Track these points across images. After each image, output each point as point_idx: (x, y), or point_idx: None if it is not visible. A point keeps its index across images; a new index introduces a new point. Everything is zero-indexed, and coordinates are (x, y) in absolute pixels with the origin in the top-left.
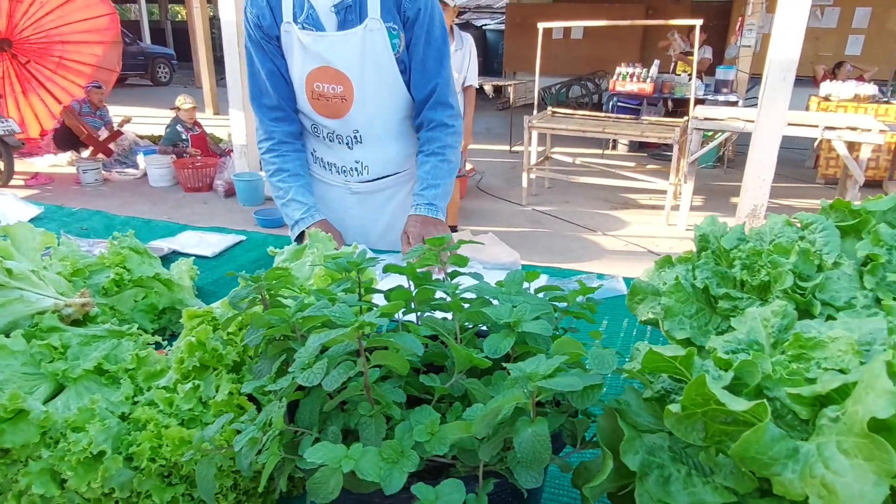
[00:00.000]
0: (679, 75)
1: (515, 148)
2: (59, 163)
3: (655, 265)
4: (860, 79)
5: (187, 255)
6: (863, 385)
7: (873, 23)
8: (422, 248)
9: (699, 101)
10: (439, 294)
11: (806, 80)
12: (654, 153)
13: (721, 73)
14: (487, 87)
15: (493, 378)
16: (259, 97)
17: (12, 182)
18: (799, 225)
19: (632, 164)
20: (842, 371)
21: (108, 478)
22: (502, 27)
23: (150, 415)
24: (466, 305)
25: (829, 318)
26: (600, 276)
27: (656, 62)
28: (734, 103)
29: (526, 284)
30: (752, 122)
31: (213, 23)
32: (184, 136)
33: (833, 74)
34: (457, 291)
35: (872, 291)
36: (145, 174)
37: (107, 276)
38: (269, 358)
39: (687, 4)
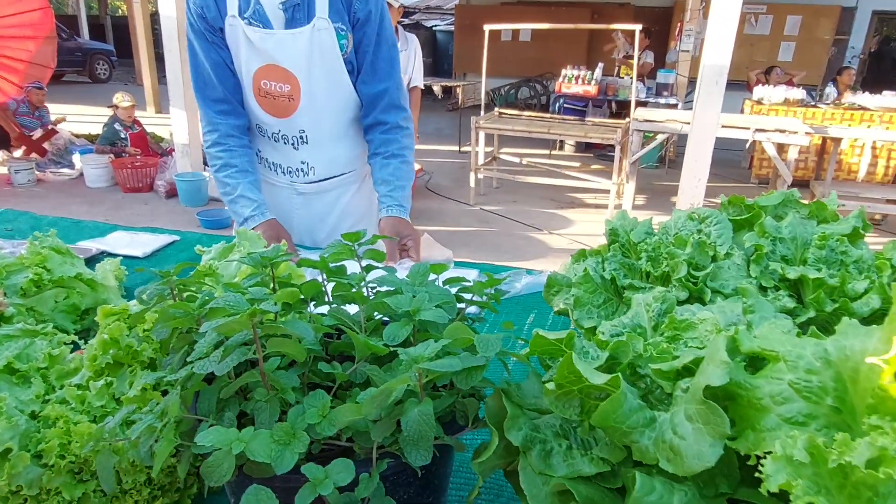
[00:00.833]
0: (622, 78)
1: (464, 148)
2: None
3: (572, 258)
4: (790, 83)
5: (117, 256)
6: (707, 358)
7: (803, 30)
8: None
9: (641, 104)
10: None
11: (742, 85)
12: (599, 153)
13: (661, 76)
14: (437, 88)
15: (393, 365)
16: (203, 89)
17: None
18: (698, 218)
19: (577, 165)
20: (702, 349)
21: (14, 475)
22: (452, 28)
23: (60, 412)
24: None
25: None
26: (529, 272)
27: (600, 65)
28: (674, 106)
29: (434, 276)
30: (689, 123)
31: (155, 18)
32: (122, 135)
33: (765, 79)
34: (362, 283)
35: (756, 279)
36: (81, 174)
37: (25, 277)
38: (177, 351)
39: (630, 9)
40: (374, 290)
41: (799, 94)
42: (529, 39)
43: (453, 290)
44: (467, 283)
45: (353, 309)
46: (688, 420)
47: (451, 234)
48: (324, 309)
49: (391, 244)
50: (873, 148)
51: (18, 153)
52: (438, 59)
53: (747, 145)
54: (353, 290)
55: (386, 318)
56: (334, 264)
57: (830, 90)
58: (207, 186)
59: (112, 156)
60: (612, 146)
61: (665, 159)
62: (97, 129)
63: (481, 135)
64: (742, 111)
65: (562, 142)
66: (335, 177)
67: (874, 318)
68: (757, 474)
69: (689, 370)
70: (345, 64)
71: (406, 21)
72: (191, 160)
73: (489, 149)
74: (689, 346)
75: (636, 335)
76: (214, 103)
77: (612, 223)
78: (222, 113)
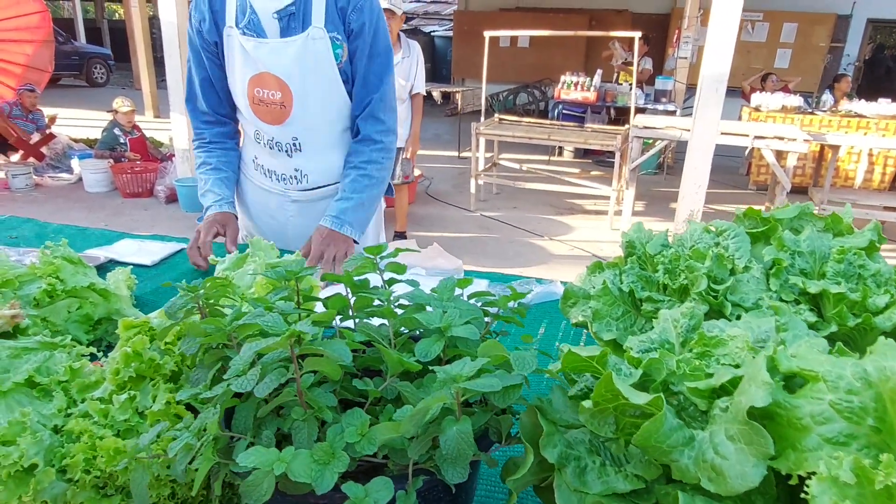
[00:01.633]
0: (621, 85)
1: (464, 154)
2: None
3: (587, 270)
4: (786, 89)
5: (125, 265)
6: (747, 378)
7: (799, 38)
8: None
9: (639, 110)
10: (377, 301)
11: (738, 91)
12: (598, 160)
13: (660, 83)
14: (436, 94)
15: (425, 381)
16: (193, 100)
17: None
18: (715, 231)
19: (577, 171)
20: (736, 366)
21: (40, 491)
22: (450, 34)
23: (84, 426)
24: (401, 312)
25: (740, 318)
26: (539, 281)
27: (599, 71)
28: (672, 112)
29: (459, 291)
30: (688, 130)
31: (153, 23)
32: (122, 140)
33: (761, 86)
34: (391, 298)
35: (776, 293)
36: (80, 179)
37: (38, 287)
38: (205, 366)
39: (628, 16)
40: (397, 304)
41: (796, 101)
42: (528, 45)
43: (478, 304)
44: (492, 297)
45: (375, 320)
46: (729, 440)
47: (452, 240)
48: (348, 322)
49: (312, 261)
50: (870, 155)
51: (16, 157)
52: (437, 65)
53: (746, 152)
54: (381, 304)
55: (411, 332)
56: (358, 278)
57: (827, 97)
58: None
59: (111, 161)
60: (611, 152)
61: (664, 165)
62: (95, 134)
63: (482, 140)
64: (740, 118)
65: (560, 148)
66: (328, 185)
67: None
68: (803, 495)
69: (724, 388)
70: (340, 73)
71: (405, 27)
72: (190, 165)
73: (489, 154)
74: (721, 363)
75: (665, 351)
76: (200, 114)
77: (629, 235)
78: (206, 122)
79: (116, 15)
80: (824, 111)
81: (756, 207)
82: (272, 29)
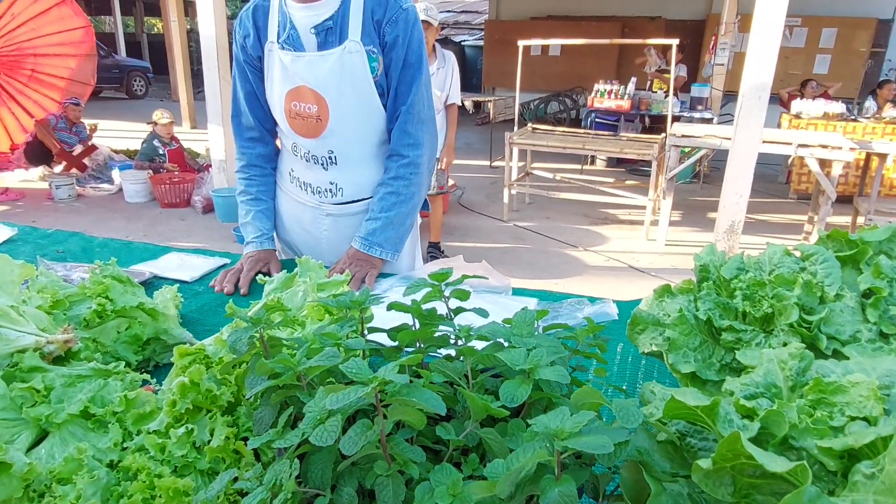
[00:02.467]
0: (655, 92)
1: (495, 163)
2: (30, 178)
3: (654, 294)
4: (826, 95)
5: (167, 280)
6: None
7: (839, 43)
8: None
9: (675, 119)
10: (442, 328)
11: (775, 98)
12: (631, 168)
13: (696, 90)
14: (468, 103)
15: (510, 427)
16: (238, 116)
17: None
18: (798, 255)
19: (610, 180)
20: (866, 419)
21: None
22: (481, 43)
23: (141, 463)
24: (474, 344)
25: (836, 352)
26: (592, 300)
27: (633, 79)
28: (709, 120)
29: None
30: (729, 139)
31: (190, 36)
32: (161, 151)
33: (800, 93)
34: (470, 333)
35: (876, 325)
36: (120, 189)
37: (88, 307)
38: (270, 405)
39: (661, 23)
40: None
41: (838, 107)
42: (559, 54)
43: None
44: (568, 330)
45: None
46: None
47: (485, 250)
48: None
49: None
50: None
51: (59, 169)
52: (468, 74)
53: (789, 161)
54: (459, 341)
55: (486, 368)
56: (426, 307)
57: (870, 104)
58: None
59: (150, 171)
60: (646, 161)
61: (700, 174)
62: (135, 145)
63: (514, 150)
64: (779, 125)
65: (593, 157)
66: (363, 199)
67: None
68: None
69: (861, 449)
70: (375, 87)
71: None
72: (227, 176)
73: (521, 164)
74: (846, 414)
75: (776, 398)
76: (245, 130)
77: (702, 258)
78: (251, 140)
79: (155, 29)
80: (867, 118)
81: (820, 222)
82: (310, 43)
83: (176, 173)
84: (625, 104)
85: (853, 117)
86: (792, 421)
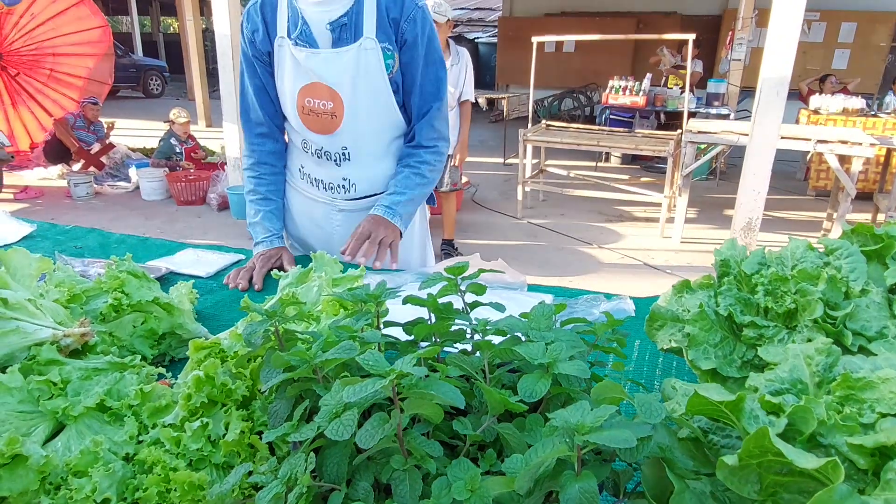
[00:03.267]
0: (671, 88)
1: (509, 160)
2: (49, 176)
3: (673, 289)
4: (845, 91)
5: (182, 275)
6: None
7: (858, 38)
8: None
9: (691, 115)
10: (459, 323)
11: (793, 94)
12: (646, 165)
13: (712, 86)
14: (481, 100)
15: (528, 422)
16: (247, 112)
17: (1, 196)
18: (822, 249)
19: (625, 177)
20: None
21: None
22: (494, 40)
23: (157, 456)
24: (491, 338)
25: (862, 348)
26: (608, 297)
27: (648, 75)
28: (726, 116)
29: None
30: (746, 135)
31: (206, 35)
32: (178, 150)
33: (819, 88)
34: (487, 327)
35: None
36: (137, 187)
37: (104, 302)
38: (285, 398)
39: (677, 18)
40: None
41: (858, 103)
42: (573, 50)
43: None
44: (587, 325)
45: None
46: None
47: (499, 247)
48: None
49: (359, 239)
50: None
51: (77, 167)
52: (481, 71)
53: (808, 157)
54: (476, 335)
55: (503, 362)
56: (442, 301)
57: (891, 99)
58: None
59: (167, 169)
60: (660, 158)
61: (716, 171)
62: (152, 143)
63: (528, 147)
64: (797, 121)
65: (608, 154)
66: (375, 195)
67: None
68: None
69: (891, 446)
70: (390, 83)
71: (450, 34)
72: (241, 173)
73: (535, 161)
74: (877, 410)
75: (803, 394)
76: (255, 126)
77: (723, 253)
78: (260, 136)
79: (171, 29)
80: (888, 113)
81: (821, 215)
82: (324, 40)
83: (191, 171)
84: (640, 100)
85: (873, 113)
86: (820, 417)
